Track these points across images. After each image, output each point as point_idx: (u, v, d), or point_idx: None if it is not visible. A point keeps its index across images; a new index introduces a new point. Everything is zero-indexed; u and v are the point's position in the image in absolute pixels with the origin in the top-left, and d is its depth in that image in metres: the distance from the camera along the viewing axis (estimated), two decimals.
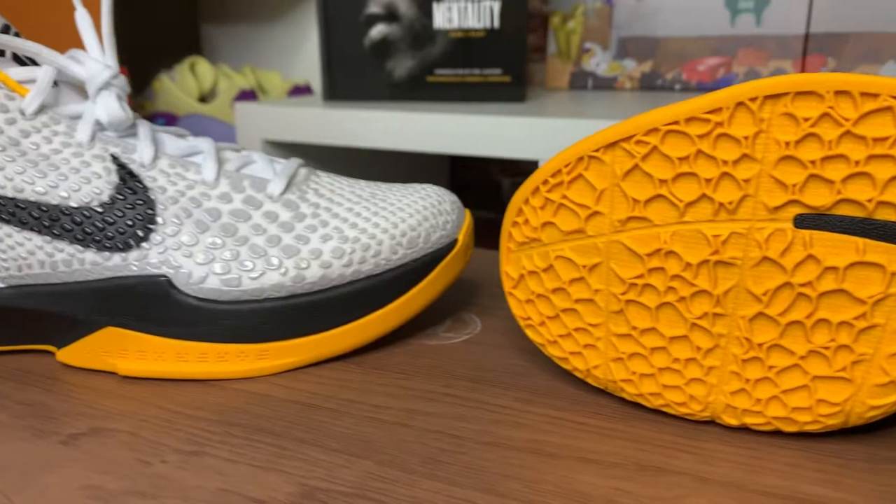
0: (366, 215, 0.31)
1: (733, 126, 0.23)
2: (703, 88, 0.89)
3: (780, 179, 0.23)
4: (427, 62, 0.82)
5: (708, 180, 0.23)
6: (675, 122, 0.23)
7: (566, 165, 0.26)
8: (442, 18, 0.81)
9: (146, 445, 0.24)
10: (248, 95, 0.90)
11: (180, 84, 0.91)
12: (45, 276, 0.30)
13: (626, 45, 0.93)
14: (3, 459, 0.24)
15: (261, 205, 0.30)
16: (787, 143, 0.22)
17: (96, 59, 0.31)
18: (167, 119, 0.91)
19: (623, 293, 0.25)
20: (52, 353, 0.32)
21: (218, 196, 0.30)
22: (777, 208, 0.23)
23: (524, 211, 0.27)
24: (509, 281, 0.28)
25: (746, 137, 0.23)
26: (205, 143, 0.32)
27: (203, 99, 0.93)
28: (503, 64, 0.80)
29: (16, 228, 0.29)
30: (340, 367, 0.30)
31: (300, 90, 0.98)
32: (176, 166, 0.31)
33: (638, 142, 0.24)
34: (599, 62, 0.94)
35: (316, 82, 1.05)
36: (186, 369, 0.29)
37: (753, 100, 0.22)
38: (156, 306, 0.29)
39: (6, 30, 0.32)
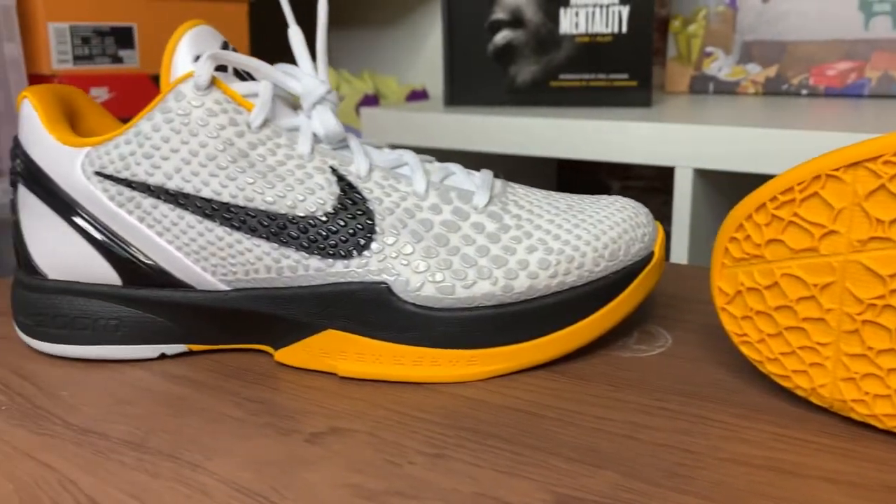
0: (567, 227, 0.32)
1: None
2: (832, 94, 0.87)
3: None
4: (551, 67, 0.82)
5: None
6: None
7: (799, 183, 0.26)
8: (568, 23, 0.81)
9: (389, 447, 0.26)
10: (370, 100, 0.93)
11: None
12: (271, 280, 0.31)
13: (751, 48, 0.91)
14: (257, 456, 0.26)
15: (468, 216, 0.32)
16: None
17: (310, 74, 0.33)
18: None
19: (859, 313, 0.25)
20: (265, 353, 0.34)
21: (429, 207, 0.31)
22: None
23: (745, 227, 0.27)
24: (722, 297, 0.29)
25: None
26: (408, 155, 0.34)
27: None
28: (630, 68, 0.79)
29: (246, 235, 0.31)
30: (545, 375, 0.31)
31: (417, 95, 0.99)
32: (388, 178, 0.32)
33: (886, 162, 0.24)
34: (721, 66, 0.93)
35: (432, 87, 1.06)
36: (402, 372, 0.31)
37: None
38: (375, 311, 0.30)
39: (225, 46, 0.34)
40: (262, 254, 0.31)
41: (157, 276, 0.32)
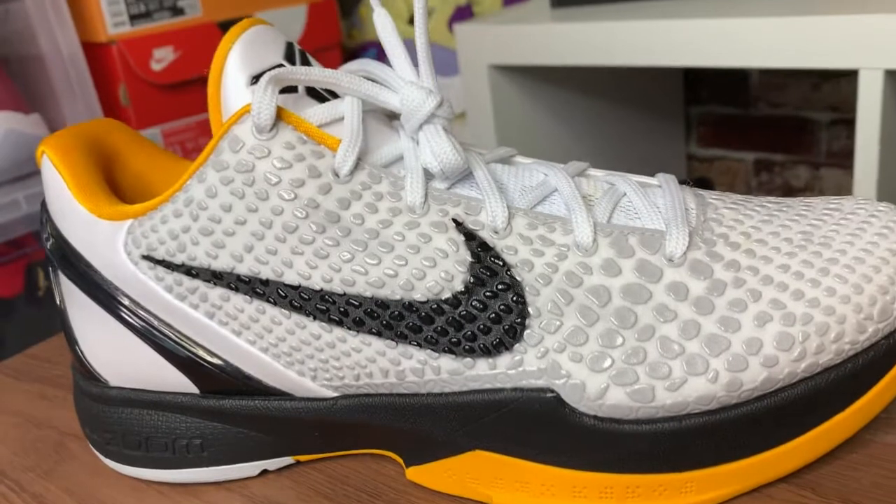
0: (812, 276, 0.22)
1: None
2: None
3: None
4: None
5: None
6: None
7: None
8: None
9: None
10: (463, 12, 0.80)
11: (389, 7, 0.83)
12: (390, 385, 0.23)
13: None
14: None
15: (660, 274, 0.22)
16: None
17: (411, 80, 0.23)
18: (378, 50, 0.84)
19: None
20: (390, 458, 0.26)
21: (601, 266, 0.22)
22: None
23: None
24: None
25: None
26: (556, 176, 0.23)
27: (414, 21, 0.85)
28: None
29: (350, 332, 0.22)
30: (790, 496, 0.22)
31: None
32: (536, 226, 0.22)
33: None
34: None
35: None
36: None
37: None
38: (541, 428, 0.22)
39: (289, 50, 0.24)
40: (374, 354, 0.22)
41: (241, 383, 0.24)
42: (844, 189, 0.96)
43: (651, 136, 1.00)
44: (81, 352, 0.26)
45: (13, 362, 0.36)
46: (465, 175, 0.23)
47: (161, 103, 0.66)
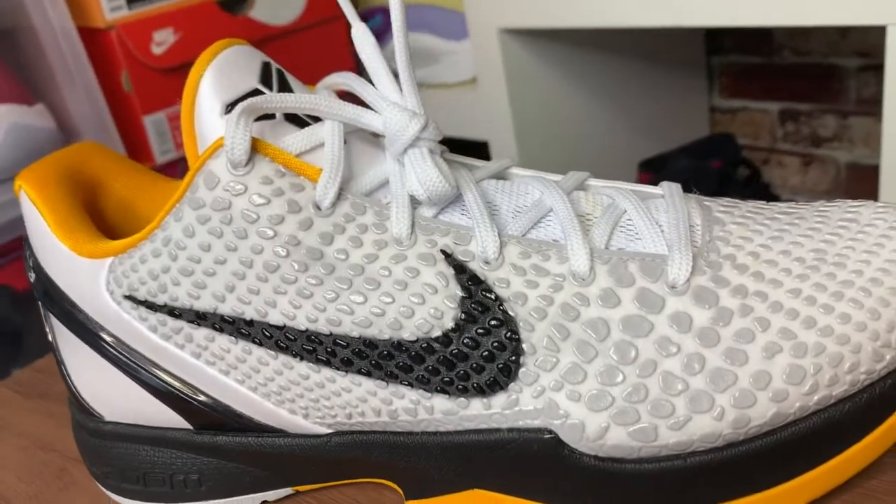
0: (824, 301, 0.20)
1: None
2: None
3: None
4: None
5: None
6: None
7: None
8: None
9: None
10: None
11: None
12: (384, 424, 0.22)
13: None
14: None
15: (662, 304, 0.20)
16: None
17: (395, 101, 0.22)
18: (384, 16, 0.81)
19: None
20: (387, 486, 0.25)
21: (598, 297, 0.21)
22: None
23: None
24: None
25: None
26: (550, 195, 0.22)
27: None
28: None
29: (339, 372, 0.22)
30: None
31: None
32: (530, 254, 0.21)
33: None
34: None
35: None
36: None
37: None
38: (540, 469, 0.21)
39: (266, 71, 0.23)
40: (364, 394, 0.22)
41: (233, 421, 0.24)
42: (873, 137, 0.93)
43: (672, 90, 0.97)
44: (74, 386, 0.26)
45: (21, 375, 0.36)
46: (455, 198, 0.22)
47: (164, 87, 0.65)
